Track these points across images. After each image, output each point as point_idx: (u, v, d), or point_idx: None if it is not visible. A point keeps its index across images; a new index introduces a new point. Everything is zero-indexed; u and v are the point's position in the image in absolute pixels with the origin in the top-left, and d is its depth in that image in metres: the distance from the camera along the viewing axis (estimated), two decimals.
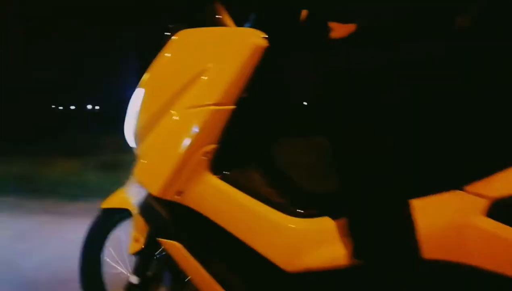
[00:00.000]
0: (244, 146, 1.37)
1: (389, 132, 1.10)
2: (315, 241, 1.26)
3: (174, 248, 1.32)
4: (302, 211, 1.31)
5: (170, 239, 1.33)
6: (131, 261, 1.61)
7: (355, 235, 1.13)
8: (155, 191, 1.32)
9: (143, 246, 1.48)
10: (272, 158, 1.40)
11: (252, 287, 1.30)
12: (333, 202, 1.28)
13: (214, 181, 1.32)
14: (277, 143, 1.41)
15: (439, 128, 1.12)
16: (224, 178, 1.33)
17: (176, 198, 1.32)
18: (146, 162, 1.36)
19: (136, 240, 1.49)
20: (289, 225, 1.30)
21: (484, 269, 1.01)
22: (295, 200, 1.35)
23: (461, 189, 1.08)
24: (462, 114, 1.11)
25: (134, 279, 1.49)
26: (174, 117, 1.33)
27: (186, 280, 1.52)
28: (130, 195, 1.46)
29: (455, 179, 1.09)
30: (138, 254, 1.50)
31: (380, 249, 1.09)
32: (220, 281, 1.29)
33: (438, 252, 1.06)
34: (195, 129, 1.28)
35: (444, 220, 1.07)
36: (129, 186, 1.46)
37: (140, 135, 1.45)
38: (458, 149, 1.11)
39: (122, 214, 1.62)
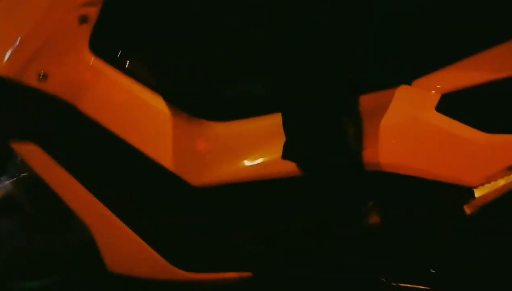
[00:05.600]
0: (137, 15, 1.01)
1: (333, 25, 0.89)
2: (230, 148, 1.03)
3: (30, 152, 0.95)
4: (213, 113, 1.04)
5: (25, 140, 0.94)
6: None
7: (290, 132, 0.90)
8: (3, 69, 0.90)
9: None
10: (172, 44, 1.07)
11: (146, 204, 1.01)
12: (255, 103, 1.04)
13: (96, 62, 0.97)
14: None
15: (385, 21, 0.96)
16: (110, 60, 0.98)
17: (37, 84, 0.93)
18: None
19: None
20: (196, 128, 1.03)
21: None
22: (203, 100, 1.07)
23: (409, 84, 0.93)
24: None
25: None
26: None
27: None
28: None
29: (403, 74, 0.94)
30: None
31: (319, 147, 0.89)
32: (98, 194, 0.97)
33: (385, 154, 0.91)
34: None
35: (392, 118, 0.92)
36: None
37: None
38: (405, 43, 0.96)
39: None
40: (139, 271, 1.04)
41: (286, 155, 0.90)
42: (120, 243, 1.02)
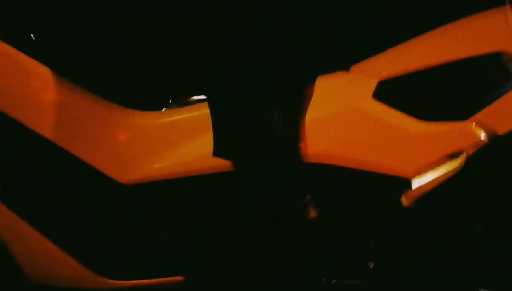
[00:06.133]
0: None
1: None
2: (159, 140, 0.93)
3: None
4: (144, 100, 0.94)
5: None
6: None
7: (218, 129, 0.82)
8: None
9: None
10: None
11: (62, 205, 0.90)
12: (183, 89, 0.96)
13: None
14: None
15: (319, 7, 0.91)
16: (13, 41, 0.86)
17: None
18: None
19: None
20: (120, 117, 0.92)
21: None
22: (128, 88, 0.97)
23: (347, 70, 0.89)
24: None
25: None
26: None
27: None
28: None
29: (342, 59, 0.89)
30: None
31: (251, 142, 0.82)
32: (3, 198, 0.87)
33: (324, 146, 0.86)
34: None
35: (329, 107, 0.87)
36: None
37: None
38: (341, 27, 0.92)
39: None
40: (59, 280, 0.94)
41: (216, 151, 0.83)
42: (35, 252, 0.91)
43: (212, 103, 0.83)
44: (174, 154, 0.92)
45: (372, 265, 0.90)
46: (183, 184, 0.91)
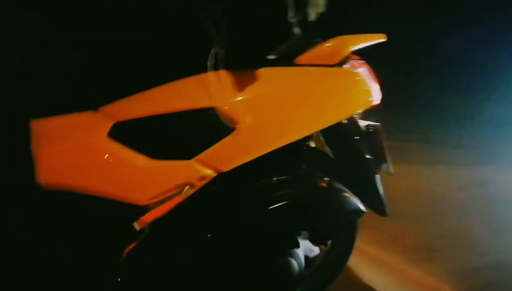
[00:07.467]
0: None
1: None
2: None
3: None
4: None
5: None
6: None
7: None
8: None
9: None
10: None
11: None
12: None
13: None
14: None
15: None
16: None
17: None
18: None
19: None
20: None
21: (104, 194, 0.98)
22: None
23: (96, 110, 1.01)
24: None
25: None
26: None
27: None
28: None
29: (91, 99, 1.01)
30: None
31: None
32: None
33: (58, 176, 0.97)
34: None
35: (68, 142, 0.98)
36: None
37: None
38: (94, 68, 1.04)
39: None
40: None
41: None
42: None
43: None
44: None
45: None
46: None
